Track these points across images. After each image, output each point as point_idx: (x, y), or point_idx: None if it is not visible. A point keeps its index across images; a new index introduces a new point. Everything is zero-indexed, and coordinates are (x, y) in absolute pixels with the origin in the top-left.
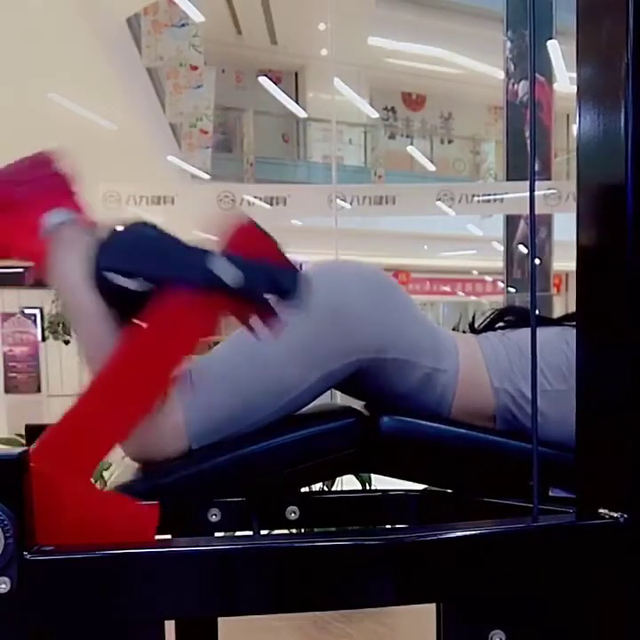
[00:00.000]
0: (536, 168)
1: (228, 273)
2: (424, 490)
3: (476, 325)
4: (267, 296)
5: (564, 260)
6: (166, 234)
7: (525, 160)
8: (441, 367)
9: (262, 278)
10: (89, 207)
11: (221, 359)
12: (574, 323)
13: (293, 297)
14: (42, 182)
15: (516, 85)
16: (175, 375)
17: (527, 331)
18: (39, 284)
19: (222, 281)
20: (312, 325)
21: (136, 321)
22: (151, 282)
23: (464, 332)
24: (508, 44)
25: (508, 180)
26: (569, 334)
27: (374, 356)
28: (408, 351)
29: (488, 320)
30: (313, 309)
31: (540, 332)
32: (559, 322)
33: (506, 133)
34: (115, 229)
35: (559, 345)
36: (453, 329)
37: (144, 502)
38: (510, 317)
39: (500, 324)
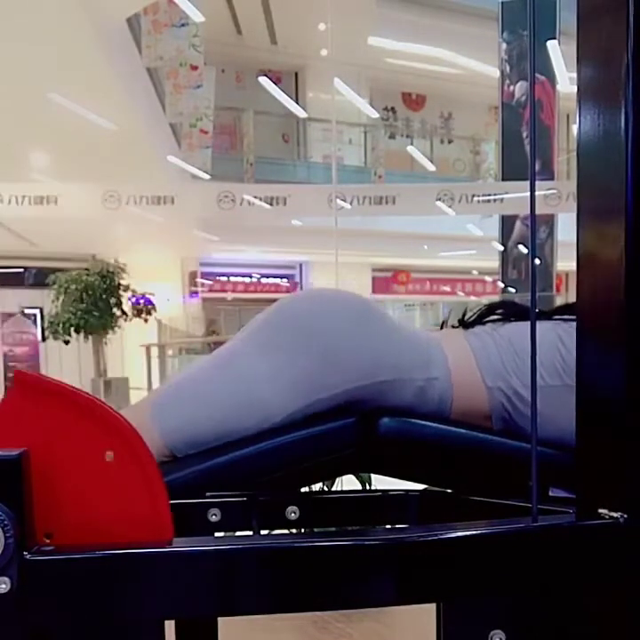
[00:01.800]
0: (536, 168)
1: None
2: (424, 490)
3: (465, 320)
4: None
5: (564, 260)
6: None
7: (520, 160)
8: (432, 375)
9: None
10: None
11: (203, 379)
12: (566, 316)
13: None
14: None
15: (511, 86)
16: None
17: (517, 325)
18: (39, 283)
19: None
20: (296, 356)
21: None
22: None
23: (453, 327)
24: (504, 46)
25: (503, 179)
26: (561, 329)
27: (362, 384)
28: (396, 370)
29: (477, 315)
30: (296, 340)
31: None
32: (551, 315)
33: (501, 134)
34: None
35: (552, 340)
36: (442, 323)
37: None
38: (500, 311)
39: (490, 318)
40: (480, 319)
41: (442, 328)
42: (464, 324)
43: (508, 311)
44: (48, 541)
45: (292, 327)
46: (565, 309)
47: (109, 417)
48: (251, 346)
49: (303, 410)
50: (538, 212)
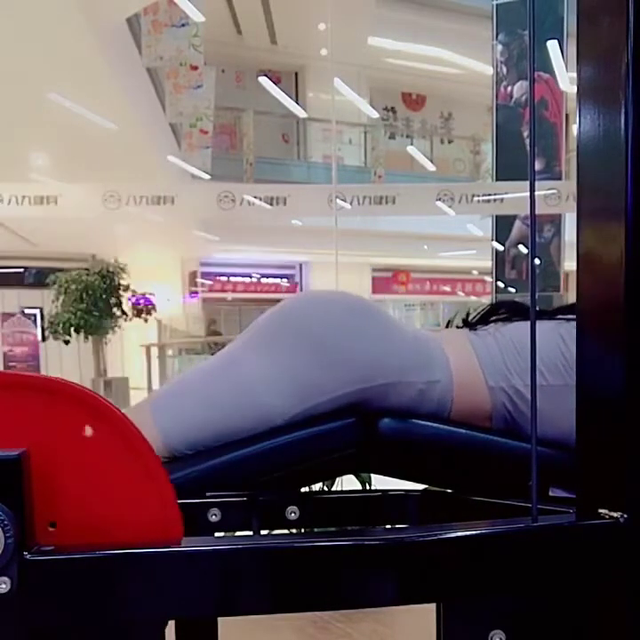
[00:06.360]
0: (536, 167)
1: None
2: (424, 490)
3: (469, 320)
4: None
5: (569, 260)
6: None
7: (517, 160)
8: (433, 379)
9: None
10: None
11: (203, 381)
12: (569, 316)
13: None
14: None
15: (508, 87)
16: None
17: (520, 325)
18: (39, 283)
19: None
20: (296, 360)
21: None
22: None
23: (458, 327)
24: (499, 47)
25: (497, 180)
26: (563, 329)
27: (362, 387)
28: (396, 374)
29: (481, 315)
30: (296, 343)
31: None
32: (554, 315)
33: (495, 135)
34: None
35: (554, 340)
36: (448, 322)
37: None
38: (503, 312)
39: (493, 318)
40: (483, 319)
41: (447, 327)
42: (468, 324)
43: (511, 311)
44: (52, 530)
45: (292, 330)
46: (567, 309)
47: (114, 416)
48: (251, 349)
49: (303, 413)
50: (537, 211)
